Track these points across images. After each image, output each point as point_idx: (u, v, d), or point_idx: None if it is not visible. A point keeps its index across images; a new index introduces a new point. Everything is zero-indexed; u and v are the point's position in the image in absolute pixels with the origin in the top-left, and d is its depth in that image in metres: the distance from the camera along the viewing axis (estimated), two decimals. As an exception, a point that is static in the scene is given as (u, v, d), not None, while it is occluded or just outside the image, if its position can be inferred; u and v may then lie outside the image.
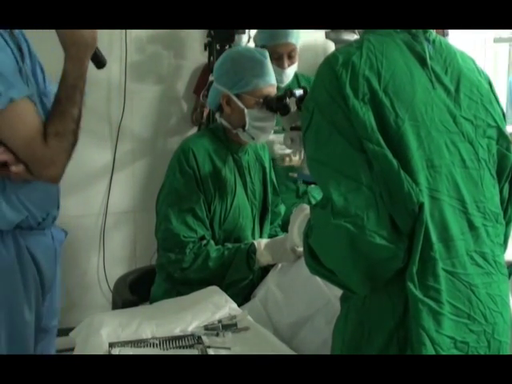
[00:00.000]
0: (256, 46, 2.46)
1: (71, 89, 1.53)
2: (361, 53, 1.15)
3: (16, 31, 1.58)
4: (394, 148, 1.10)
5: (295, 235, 1.73)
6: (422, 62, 1.20)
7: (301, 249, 1.78)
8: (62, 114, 1.52)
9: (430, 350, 1.08)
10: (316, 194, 2.46)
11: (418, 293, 1.09)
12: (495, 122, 1.26)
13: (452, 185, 1.15)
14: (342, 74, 1.13)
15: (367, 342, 1.15)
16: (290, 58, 2.40)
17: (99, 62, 1.63)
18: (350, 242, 1.06)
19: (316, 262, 1.14)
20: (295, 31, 2.41)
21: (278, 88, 2.06)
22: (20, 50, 1.58)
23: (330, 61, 1.17)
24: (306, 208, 1.70)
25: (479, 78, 1.29)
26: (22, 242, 1.57)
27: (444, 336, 1.10)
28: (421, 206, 1.09)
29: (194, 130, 3.32)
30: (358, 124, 1.10)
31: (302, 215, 1.70)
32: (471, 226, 1.17)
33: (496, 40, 3.75)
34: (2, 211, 1.53)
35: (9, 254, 1.55)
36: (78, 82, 1.53)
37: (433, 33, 1.25)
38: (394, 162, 1.09)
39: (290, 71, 2.42)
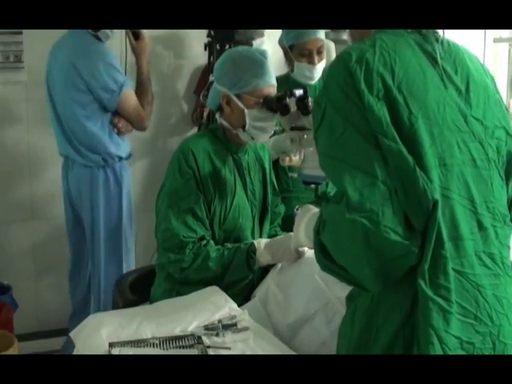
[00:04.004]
0: (282, 47, 2.44)
1: (146, 76, 2.76)
2: (374, 50, 1.16)
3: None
4: (407, 145, 1.10)
5: (301, 235, 1.70)
6: (434, 61, 1.21)
7: (305, 249, 1.78)
8: (146, 91, 2.77)
9: (437, 350, 1.08)
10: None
11: (428, 291, 1.08)
12: (501, 123, 1.26)
13: (463, 184, 1.15)
14: (356, 70, 1.13)
15: (374, 340, 1.14)
16: (319, 53, 2.39)
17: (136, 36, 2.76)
18: (365, 238, 1.05)
19: (327, 259, 1.13)
20: None
21: (308, 86, 2.04)
22: None
23: (343, 58, 1.16)
24: (312, 208, 1.70)
25: (486, 79, 1.29)
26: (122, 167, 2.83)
27: (451, 336, 1.09)
28: (435, 203, 1.09)
29: (194, 130, 3.32)
30: (373, 119, 1.10)
31: (307, 215, 1.69)
32: (480, 226, 1.17)
33: (496, 40, 3.74)
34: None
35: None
36: (148, 72, 2.76)
37: (440, 34, 1.25)
38: (410, 158, 1.09)
39: (320, 67, 2.40)
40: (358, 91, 1.11)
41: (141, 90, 2.74)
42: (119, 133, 2.76)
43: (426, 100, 1.15)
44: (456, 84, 1.22)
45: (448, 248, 1.11)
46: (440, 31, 1.26)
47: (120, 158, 2.79)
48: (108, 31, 2.66)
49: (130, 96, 2.70)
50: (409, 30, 1.22)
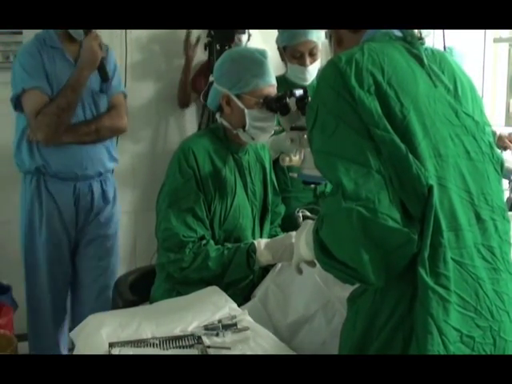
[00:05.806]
0: (278, 48, 2.45)
1: (71, 84, 2.40)
2: (363, 52, 1.18)
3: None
4: (400, 136, 1.11)
5: (302, 246, 1.56)
6: (421, 62, 1.23)
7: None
8: (55, 98, 2.40)
9: (436, 340, 1.07)
10: None
11: (428, 280, 1.08)
12: (488, 122, 1.29)
13: (459, 175, 1.16)
14: (346, 69, 1.15)
15: (375, 340, 1.14)
16: (312, 55, 2.38)
17: (104, 78, 2.50)
18: (363, 226, 1.05)
19: (327, 256, 1.12)
20: None
21: (303, 86, 2.05)
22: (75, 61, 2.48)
23: (333, 61, 1.19)
24: (310, 222, 1.68)
25: (470, 80, 1.32)
26: (41, 183, 2.52)
27: (451, 327, 1.09)
28: (430, 188, 1.09)
29: (195, 130, 3.32)
30: (364, 112, 1.11)
31: (306, 228, 1.65)
32: (478, 218, 1.17)
33: (496, 40, 3.75)
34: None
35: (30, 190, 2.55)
36: (72, 83, 2.41)
37: (425, 42, 1.28)
38: (402, 146, 1.10)
39: (313, 69, 2.40)
40: (348, 88, 1.13)
41: (53, 99, 2.41)
42: (30, 141, 2.49)
43: (417, 94, 1.17)
44: (444, 82, 1.24)
45: (447, 237, 1.11)
46: (424, 35, 1.28)
47: (27, 172, 2.56)
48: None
49: (26, 100, 2.43)
50: (394, 38, 1.25)
